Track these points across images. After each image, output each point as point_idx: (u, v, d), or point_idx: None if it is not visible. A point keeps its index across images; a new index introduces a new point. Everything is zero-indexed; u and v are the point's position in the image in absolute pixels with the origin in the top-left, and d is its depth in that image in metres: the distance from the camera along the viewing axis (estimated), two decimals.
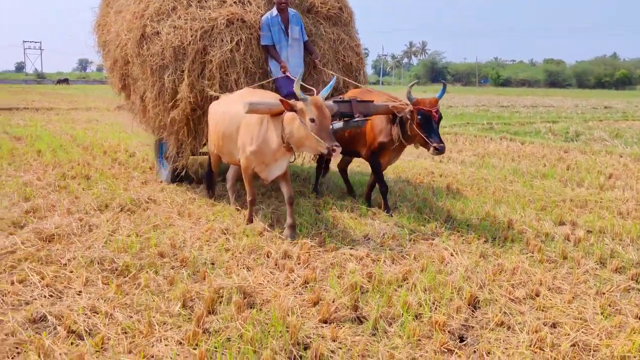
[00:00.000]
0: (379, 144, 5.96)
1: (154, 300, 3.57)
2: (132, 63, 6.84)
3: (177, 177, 7.25)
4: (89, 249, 4.47)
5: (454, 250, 4.67)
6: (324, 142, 4.60)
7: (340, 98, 6.08)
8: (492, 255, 4.62)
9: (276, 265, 4.34)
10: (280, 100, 4.85)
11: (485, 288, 3.89)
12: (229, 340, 3.10)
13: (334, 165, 7.39)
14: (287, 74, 6.35)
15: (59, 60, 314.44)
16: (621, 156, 10.76)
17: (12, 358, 2.91)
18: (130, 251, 4.46)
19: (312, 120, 4.66)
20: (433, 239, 5.03)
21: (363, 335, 3.21)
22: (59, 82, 64.73)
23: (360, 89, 6.77)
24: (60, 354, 2.89)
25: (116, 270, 4.10)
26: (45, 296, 3.65)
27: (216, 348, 3.01)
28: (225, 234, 5.08)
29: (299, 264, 4.37)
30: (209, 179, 6.71)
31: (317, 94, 5.05)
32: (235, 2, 6.71)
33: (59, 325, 3.23)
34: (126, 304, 3.56)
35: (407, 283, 3.94)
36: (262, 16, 6.63)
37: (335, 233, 5.15)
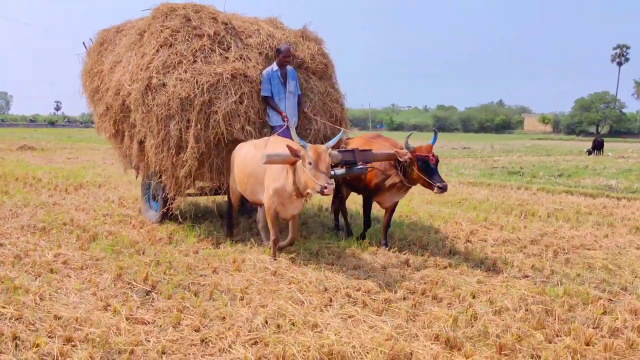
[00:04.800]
0: (374, 185, 6.66)
1: (62, 238, 6.79)
2: (135, 111, 7.17)
3: (167, 217, 7.71)
4: (19, 222, 7.57)
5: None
6: (318, 182, 5.17)
7: (343, 148, 6.76)
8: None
9: (134, 226, 7.65)
10: (287, 145, 5.46)
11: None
12: (106, 250, 6.38)
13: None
14: (274, 124, 7.13)
15: None
16: None
17: None
18: (45, 222, 7.60)
19: (310, 163, 5.27)
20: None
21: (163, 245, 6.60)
22: None
23: (371, 133, 7.75)
24: (19, 252, 6.07)
25: (38, 229, 7.23)
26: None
27: (101, 250, 6.27)
28: (104, 216, 8.32)
29: (147, 225, 7.72)
30: (229, 218, 7.23)
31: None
32: (237, 59, 7.21)
33: (10, 246, 6.37)
34: (46, 239, 6.74)
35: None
36: (262, 70, 7.26)
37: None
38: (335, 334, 3.89)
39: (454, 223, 8.45)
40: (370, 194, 6.79)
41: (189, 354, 3.66)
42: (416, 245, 6.85)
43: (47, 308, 4.34)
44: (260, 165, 5.89)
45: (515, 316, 4.39)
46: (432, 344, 3.84)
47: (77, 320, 4.07)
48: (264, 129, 7.16)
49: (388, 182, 6.51)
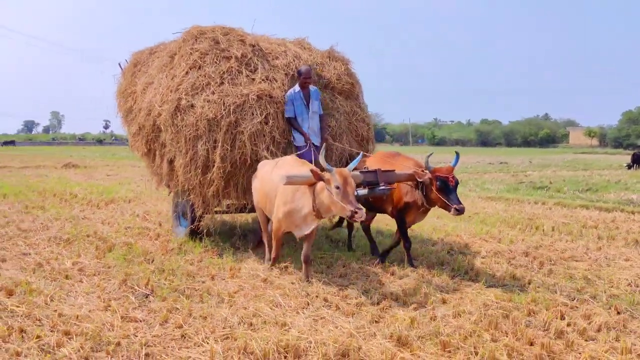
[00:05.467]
0: (404, 203, 6.61)
1: (83, 248, 7.44)
2: (165, 131, 7.41)
3: (196, 234, 7.76)
4: (48, 234, 8.29)
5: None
6: (347, 206, 5.11)
7: (366, 168, 6.62)
8: None
9: (150, 238, 8.26)
10: (311, 171, 5.44)
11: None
12: (118, 259, 6.98)
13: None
14: (297, 144, 7.22)
15: (4, 123, 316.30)
16: None
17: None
18: (70, 234, 8.30)
19: (337, 188, 5.22)
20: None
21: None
22: (5, 144, 67.16)
23: (390, 151, 7.62)
24: (42, 260, 6.73)
25: (63, 240, 7.91)
26: (27, 247, 7.45)
27: (114, 259, 6.88)
28: (126, 229, 8.97)
29: (162, 236, 8.32)
30: (260, 234, 7.30)
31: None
32: (263, 80, 7.37)
33: (35, 255, 7.04)
34: (68, 249, 7.40)
35: None
36: (286, 92, 7.42)
37: None
38: (299, 332, 4.34)
39: (455, 236, 8.77)
40: (400, 212, 6.72)
41: (168, 346, 4.17)
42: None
43: (54, 307, 4.93)
44: (274, 186, 5.97)
45: (470, 319, 4.74)
46: (386, 342, 4.25)
47: (77, 318, 4.64)
48: (288, 149, 7.31)
49: (414, 201, 6.49)
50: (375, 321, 4.75)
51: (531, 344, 4.23)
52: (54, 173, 21.83)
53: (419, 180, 6.21)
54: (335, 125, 7.73)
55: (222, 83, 7.20)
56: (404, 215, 6.68)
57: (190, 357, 3.98)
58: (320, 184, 5.44)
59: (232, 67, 7.38)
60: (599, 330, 4.59)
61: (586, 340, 4.36)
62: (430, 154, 6.48)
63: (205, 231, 7.64)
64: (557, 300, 5.36)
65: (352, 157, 7.39)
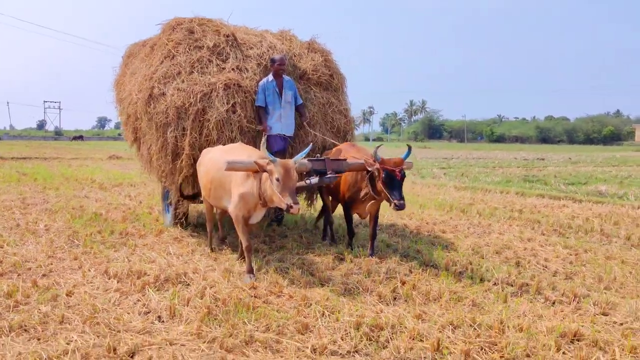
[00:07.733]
0: (348, 197, 6.81)
1: (61, 216, 9.35)
2: (140, 119, 7.77)
3: (177, 222, 8.08)
4: (44, 207, 10.28)
5: None
6: (284, 200, 5.20)
7: (316, 157, 6.87)
8: None
9: (122, 211, 10.11)
10: (255, 162, 5.43)
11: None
12: (80, 224, 8.81)
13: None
14: (269, 134, 7.28)
15: (78, 119, 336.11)
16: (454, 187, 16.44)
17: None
18: (60, 207, 10.25)
19: (278, 180, 5.24)
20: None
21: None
22: (74, 138, 72.15)
23: (346, 143, 7.70)
24: (22, 223, 8.68)
25: (51, 211, 9.84)
26: (19, 215, 9.41)
27: (77, 224, 8.74)
28: (108, 204, 10.87)
29: (130, 209, 10.15)
30: (209, 230, 7.24)
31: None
32: (233, 69, 7.48)
33: (20, 220, 8.99)
34: (50, 217, 9.31)
35: None
36: (258, 81, 7.56)
37: None
38: (156, 265, 6.02)
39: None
40: (347, 204, 6.98)
41: (63, 272, 5.88)
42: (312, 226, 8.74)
43: (5, 249, 6.77)
44: (225, 172, 5.83)
45: (280, 267, 6.26)
46: (218, 273, 5.82)
47: (14, 254, 6.47)
48: (257, 138, 7.33)
49: (362, 193, 6.58)
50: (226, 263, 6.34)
51: (321, 285, 5.69)
52: (96, 163, 24.41)
53: (368, 169, 6.30)
54: (308, 117, 7.91)
55: (192, 72, 7.43)
56: (350, 205, 6.95)
57: (71, 277, 5.71)
58: (265, 174, 5.53)
59: (203, 56, 7.60)
60: (391, 278, 5.94)
61: (366, 278, 5.81)
62: (379, 146, 6.54)
63: (183, 217, 8.18)
64: (387, 256, 6.73)
65: (326, 149, 7.79)
